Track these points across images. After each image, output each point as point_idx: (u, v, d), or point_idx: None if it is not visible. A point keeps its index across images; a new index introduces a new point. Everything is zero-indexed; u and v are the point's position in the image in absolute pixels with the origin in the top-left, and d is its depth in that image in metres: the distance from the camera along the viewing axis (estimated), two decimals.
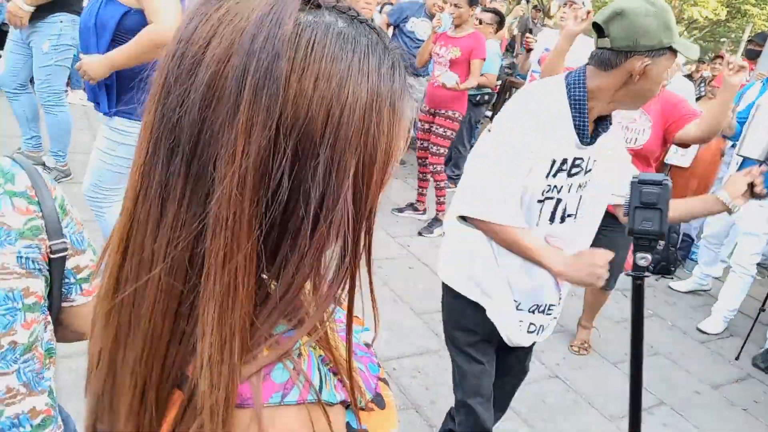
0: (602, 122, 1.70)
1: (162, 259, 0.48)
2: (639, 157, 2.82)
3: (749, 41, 4.82)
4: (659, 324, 3.84)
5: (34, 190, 0.88)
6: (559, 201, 1.68)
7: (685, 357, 3.45)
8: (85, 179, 2.45)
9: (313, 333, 0.52)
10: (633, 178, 1.33)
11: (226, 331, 0.47)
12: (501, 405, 2.09)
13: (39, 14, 3.47)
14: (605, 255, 1.55)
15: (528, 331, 1.83)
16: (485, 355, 1.90)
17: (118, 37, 2.19)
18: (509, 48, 7.34)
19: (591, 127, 1.67)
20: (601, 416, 2.80)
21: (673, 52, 1.56)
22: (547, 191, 1.65)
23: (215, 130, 0.45)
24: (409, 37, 5.23)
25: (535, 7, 6.68)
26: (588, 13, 2.32)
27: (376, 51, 0.50)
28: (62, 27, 3.60)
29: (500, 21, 5.06)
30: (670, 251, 4.59)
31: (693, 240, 4.86)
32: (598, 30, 1.59)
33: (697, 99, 6.17)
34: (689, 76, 8.50)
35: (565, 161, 1.65)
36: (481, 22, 5.01)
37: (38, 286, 0.88)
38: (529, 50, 4.61)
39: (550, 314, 1.83)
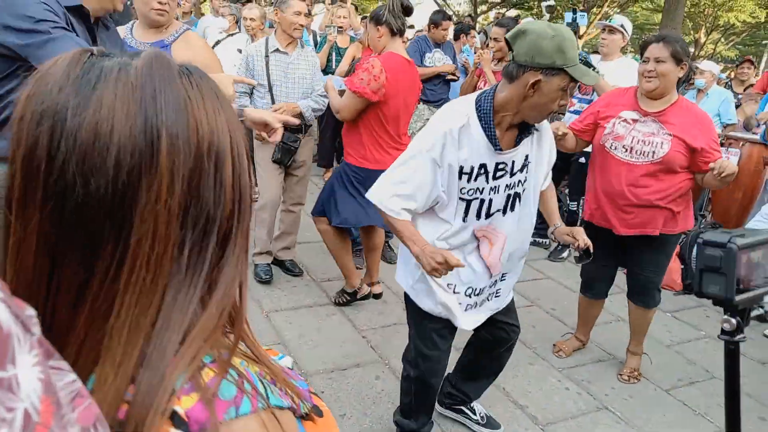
0: (525, 129, 1.97)
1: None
2: (662, 169, 2.74)
3: None
4: (714, 345, 3.66)
5: None
6: (483, 201, 2.00)
7: (745, 380, 3.25)
8: None
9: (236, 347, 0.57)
10: (699, 238, 1.29)
11: (158, 354, 0.51)
12: (494, 370, 2.52)
13: None
14: (447, 256, 1.85)
15: (464, 311, 2.17)
16: (445, 342, 2.24)
17: None
18: None
19: (505, 135, 1.94)
20: None
21: (567, 74, 1.80)
22: (471, 192, 1.97)
23: (129, 181, 0.50)
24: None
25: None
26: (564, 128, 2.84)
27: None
28: None
29: None
30: None
31: None
32: (509, 45, 1.88)
33: (737, 107, 6.00)
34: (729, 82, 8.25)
35: (483, 167, 1.94)
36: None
37: None
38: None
39: (480, 294, 2.17)
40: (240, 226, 0.58)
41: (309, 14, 7.08)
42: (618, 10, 18.90)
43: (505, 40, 1.89)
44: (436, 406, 2.54)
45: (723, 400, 3.17)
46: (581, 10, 5.87)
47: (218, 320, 0.55)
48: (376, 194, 2.00)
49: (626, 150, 2.78)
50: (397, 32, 3.11)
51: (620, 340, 3.39)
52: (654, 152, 2.73)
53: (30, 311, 0.34)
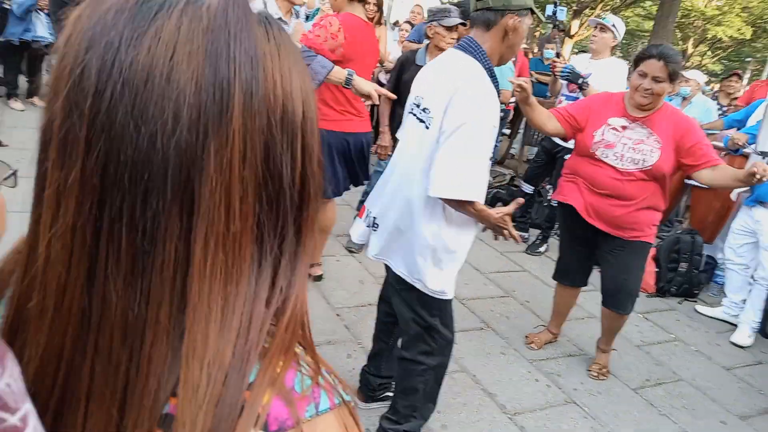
0: None
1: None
2: (649, 177, 2.74)
3: None
4: (682, 348, 3.70)
5: None
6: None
7: (710, 384, 3.31)
8: None
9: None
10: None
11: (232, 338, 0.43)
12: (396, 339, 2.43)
13: None
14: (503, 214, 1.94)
15: None
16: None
17: None
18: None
19: None
20: None
21: (532, 13, 2.01)
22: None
23: (193, 141, 0.41)
24: None
25: (555, 26, 6.60)
26: (525, 83, 2.65)
27: None
28: None
29: None
30: (693, 273, 4.45)
31: (717, 263, 4.72)
32: None
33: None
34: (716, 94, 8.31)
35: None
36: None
37: None
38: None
39: None
40: (307, 219, 0.48)
41: None
42: (610, 14, 18.98)
43: None
44: (362, 404, 2.50)
45: (687, 402, 3.21)
46: (567, 8, 5.86)
47: (294, 318, 0.48)
48: (465, 193, 1.86)
49: (617, 158, 2.78)
50: None
51: (591, 336, 3.40)
52: (644, 160, 2.73)
53: None
